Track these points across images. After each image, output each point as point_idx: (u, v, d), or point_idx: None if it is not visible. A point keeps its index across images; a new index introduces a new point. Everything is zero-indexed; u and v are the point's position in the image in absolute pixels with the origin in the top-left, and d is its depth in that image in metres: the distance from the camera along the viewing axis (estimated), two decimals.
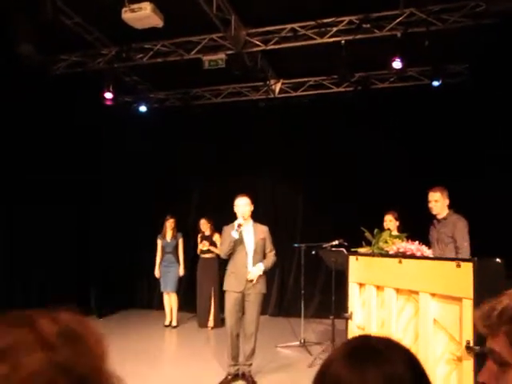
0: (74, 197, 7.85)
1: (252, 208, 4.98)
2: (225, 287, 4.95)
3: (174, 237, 7.75)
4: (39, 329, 0.76)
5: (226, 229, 4.94)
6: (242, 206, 4.88)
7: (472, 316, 2.86)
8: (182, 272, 7.68)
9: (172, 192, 8.87)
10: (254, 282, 4.80)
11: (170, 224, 7.76)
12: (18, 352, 0.72)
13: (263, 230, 5.01)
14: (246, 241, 4.89)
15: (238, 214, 4.83)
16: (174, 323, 7.70)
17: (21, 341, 0.74)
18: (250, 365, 4.92)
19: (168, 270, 7.67)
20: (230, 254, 4.88)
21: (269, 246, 4.98)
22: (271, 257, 4.96)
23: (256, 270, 4.82)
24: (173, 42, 6.88)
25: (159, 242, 7.82)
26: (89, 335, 0.81)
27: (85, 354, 0.77)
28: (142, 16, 5.18)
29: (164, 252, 7.76)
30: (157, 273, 7.75)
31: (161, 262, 7.75)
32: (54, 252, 7.47)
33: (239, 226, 4.74)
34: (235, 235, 4.74)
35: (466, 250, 4.59)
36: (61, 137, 7.55)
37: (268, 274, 8.48)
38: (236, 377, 4.91)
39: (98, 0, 5.67)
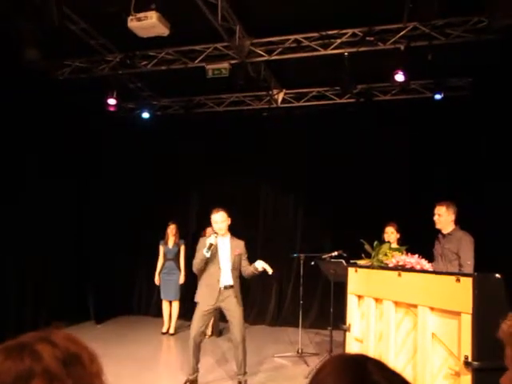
0: (71, 202, 7.84)
1: (229, 222, 4.92)
2: (196, 299, 4.98)
3: (176, 243, 7.73)
4: (44, 359, 0.77)
5: (201, 240, 4.93)
6: (219, 222, 4.82)
7: (471, 331, 2.86)
8: (182, 280, 7.62)
9: (173, 199, 8.89)
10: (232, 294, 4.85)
11: (171, 230, 7.73)
12: None
13: (239, 245, 4.98)
14: (222, 255, 4.88)
15: (214, 230, 4.84)
16: (172, 331, 7.66)
17: (26, 375, 0.75)
18: (245, 373, 4.92)
19: (170, 277, 7.61)
20: (203, 267, 4.87)
21: (244, 262, 4.96)
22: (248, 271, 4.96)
23: (260, 263, 4.83)
24: (177, 50, 6.92)
25: (161, 248, 7.79)
26: (84, 355, 0.83)
27: (83, 377, 0.79)
28: (148, 25, 5.21)
29: (165, 258, 7.74)
30: (157, 280, 7.69)
31: (161, 269, 7.72)
32: (52, 258, 7.46)
33: (210, 246, 4.69)
34: (207, 254, 4.70)
35: (469, 269, 4.44)
36: (63, 142, 7.57)
37: (266, 283, 8.60)
38: (194, 382, 4.97)
39: (103, 7, 5.71)
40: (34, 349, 0.78)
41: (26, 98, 6.82)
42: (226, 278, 4.86)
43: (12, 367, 0.75)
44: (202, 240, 4.92)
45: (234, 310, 4.83)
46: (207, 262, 4.84)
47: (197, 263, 4.85)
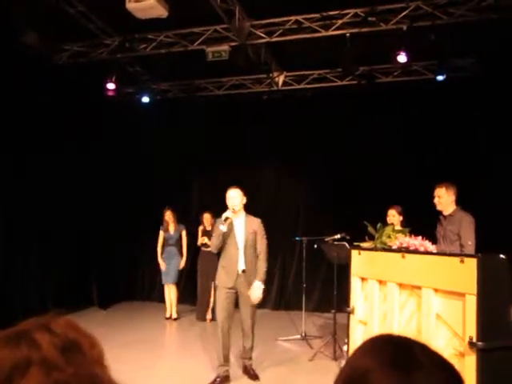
0: (72, 188, 7.81)
1: (244, 200, 4.79)
2: (216, 282, 4.86)
3: (177, 229, 7.74)
4: (42, 347, 0.75)
5: (218, 221, 4.77)
6: (233, 197, 4.69)
7: (476, 312, 2.86)
8: (182, 264, 7.66)
9: (173, 183, 8.86)
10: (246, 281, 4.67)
11: (168, 216, 7.72)
12: (23, 375, 0.72)
13: (255, 222, 4.83)
14: (237, 234, 4.73)
15: (229, 207, 4.66)
16: (174, 315, 7.71)
17: (24, 364, 0.73)
18: (250, 358, 4.86)
19: (169, 262, 7.67)
20: (222, 248, 4.72)
21: (260, 242, 4.78)
22: (263, 264, 4.77)
23: (257, 291, 4.65)
24: (176, 33, 6.83)
25: (161, 234, 7.79)
26: (84, 341, 0.81)
27: (84, 365, 0.77)
28: (147, 6, 5.14)
29: (167, 244, 7.75)
30: (162, 265, 7.71)
31: (162, 254, 7.74)
32: (55, 244, 7.47)
33: (226, 219, 4.56)
34: (223, 228, 4.57)
35: (470, 249, 4.44)
36: (62, 127, 7.52)
37: (269, 266, 8.60)
38: (226, 379, 4.70)
39: None
40: (31, 337, 0.76)
41: (25, 83, 6.74)
42: (244, 258, 4.71)
43: (9, 356, 0.74)
44: (218, 220, 4.73)
45: (247, 297, 4.65)
46: (224, 243, 4.69)
47: (213, 241, 4.73)
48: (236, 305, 4.81)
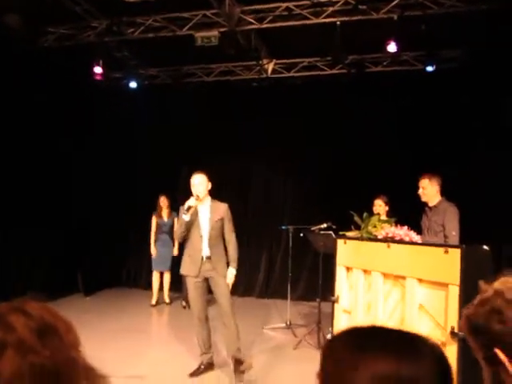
0: (59, 174, 7.71)
1: (209, 186, 4.59)
2: (181, 271, 4.71)
3: (171, 216, 7.69)
4: (17, 330, 0.74)
5: (181, 209, 4.56)
6: (197, 185, 4.49)
7: (458, 302, 2.88)
8: (176, 252, 7.60)
9: (162, 170, 8.75)
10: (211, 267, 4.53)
11: (163, 202, 7.70)
12: None
13: (222, 209, 4.60)
14: (201, 221, 4.55)
15: (193, 194, 4.48)
16: (167, 300, 7.77)
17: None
18: (239, 349, 4.60)
19: (163, 249, 7.65)
20: (187, 236, 4.57)
21: (228, 229, 4.60)
22: (234, 251, 4.61)
23: (230, 278, 4.54)
24: (165, 17, 6.71)
25: (154, 220, 7.75)
26: (60, 325, 0.80)
27: (60, 348, 0.76)
28: None
29: (160, 231, 7.71)
30: (153, 251, 7.67)
31: (155, 241, 7.70)
32: (40, 230, 7.37)
33: (189, 208, 4.38)
34: (186, 218, 4.42)
35: (454, 240, 4.44)
36: (48, 111, 7.39)
37: (255, 255, 8.63)
38: (210, 366, 4.69)
39: None
40: (6, 320, 0.75)
41: (9, 66, 6.59)
42: (209, 246, 4.55)
43: None
44: (181, 208, 4.54)
45: (220, 285, 4.52)
46: (189, 231, 4.54)
47: (177, 229, 4.60)
48: (210, 291, 4.68)
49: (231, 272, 4.56)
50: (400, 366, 0.78)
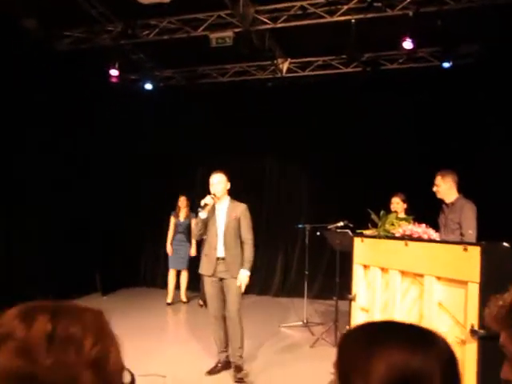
0: (75, 175, 7.80)
1: (228, 185, 4.61)
2: (199, 270, 4.74)
3: (188, 216, 7.75)
4: (31, 328, 0.71)
5: (199, 208, 4.59)
6: (216, 184, 4.53)
7: (478, 300, 2.85)
8: (193, 252, 7.66)
9: (177, 170, 8.83)
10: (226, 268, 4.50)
11: (181, 202, 7.79)
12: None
13: (239, 208, 4.58)
14: (218, 221, 4.55)
15: (211, 192, 4.52)
16: (184, 299, 7.84)
17: (6, 334, 0.71)
18: (241, 356, 4.56)
19: (179, 247, 7.72)
20: (204, 234, 4.58)
21: (244, 229, 4.54)
22: (249, 252, 4.53)
23: (242, 280, 4.46)
24: (179, 19, 6.76)
25: (172, 220, 7.83)
26: (88, 340, 0.74)
27: (68, 364, 0.71)
28: None
29: (176, 231, 7.78)
30: (169, 249, 7.75)
31: (172, 240, 7.77)
32: (57, 231, 7.48)
33: (205, 205, 4.42)
34: (202, 215, 4.45)
35: (470, 239, 4.31)
36: (65, 114, 7.48)
37: (271, 254, 8.64)
38: (227, 364, 4.68)
39: None
40: (32, 315, 0.73)
41: (27, 70, 6.69)
42: (224, 245, 4.53)
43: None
44: (200, 208, 4.57)
45: (229, 287, 4.49)
46: (207, 229, 4.55)
47: (194, 227, 4.59)
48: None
49: (243, 273, 4.49)
50: (413, 357, 0.82)
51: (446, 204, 4.72)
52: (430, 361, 0.82)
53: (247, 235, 4.58)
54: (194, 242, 7.66)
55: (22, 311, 0.75)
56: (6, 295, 6.08)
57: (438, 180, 4.64)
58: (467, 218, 4.45)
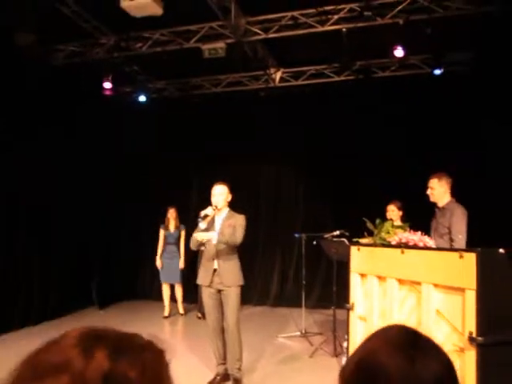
0: (70, 187, 7.76)
1: (229, 197, 4.63)
2: (197, 280, 4.74)
3: (177, 228, 7.72)
4: (89, 363, 0.66)
5: (199, 218, 4.56)
6: (217, 195, 4.53)
7: (475, 307, 2.85)
8: (182, 264, 7.62)
9: (172, 182, 8.83)
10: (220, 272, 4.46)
11: (171, 214, 7.74)
12: (55, 376, 0.64)
13: (235, 218, 4.56)
14: (216, 231, 4.55)
15: (212, 204, 4.51)
16: (182, 311, 7.80)
17: (64, 365, 0.66)
18: (239, 369, 4.53)
19: (171, 260, 7.63)
20: (202, 245, 4.58)
21: (237, 232, 4.48)
22: (235, 236, 4.46)
23: (204, 235, 4.43)
24: (172, 31, 6.79)
25: (161, 232, 7.78)
26: (140, 382, 0.70)
27: None
28: (141, 4, 5.10)
29: (166, 243, 7.73)
30: (158, 263, 7.69)
31: (162, 253, 7.72)
32: (54, 244, 7.44)
33: (205, 216, 4.43)
34: (202, 226, 4.45)
35: (460, 244, 4.25)
36: (60, 128, 7.48)
37: (268, 264, 8.61)
38: (226, 377, 4.63)
39: None
40: (90, 347, 0.68)
41: (21, 84, 6.70)
42: (216, 253, 4.50)
43: (51, 357, 0.67)
44: (199, 218, 4.54)
45: (227, 297, 4.47)
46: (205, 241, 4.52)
47: (193, 237, 4.53)
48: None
49: (212, 234, 4.45)
50: (414, 364, 0.83)
51: (438, 208, 4.69)
52: (432, 366, 0.84)
53: (239, 234, 4.49)
54: (183, 253, 7.63)
55: (83, 339, 0.70)
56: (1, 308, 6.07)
57: (434, 183, 4.61)
58: (457, 222, 4.39)
